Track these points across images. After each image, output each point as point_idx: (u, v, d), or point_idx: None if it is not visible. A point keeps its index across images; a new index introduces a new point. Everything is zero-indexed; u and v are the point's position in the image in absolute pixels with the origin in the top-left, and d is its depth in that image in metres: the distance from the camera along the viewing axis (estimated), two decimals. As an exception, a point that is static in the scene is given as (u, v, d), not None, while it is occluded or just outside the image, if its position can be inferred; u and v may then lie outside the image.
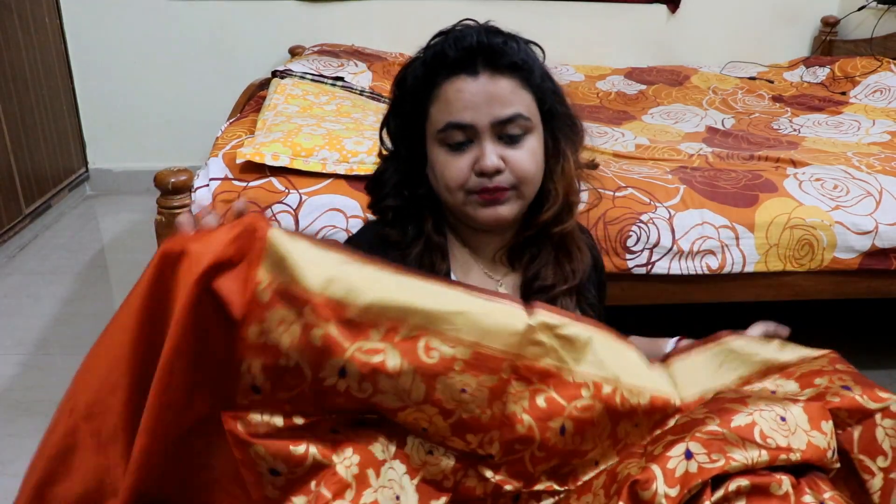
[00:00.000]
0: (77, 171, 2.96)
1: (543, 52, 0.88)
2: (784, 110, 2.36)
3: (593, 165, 0.96)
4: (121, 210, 2.86)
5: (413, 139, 0.89)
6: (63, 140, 2.86)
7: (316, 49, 2.60)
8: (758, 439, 0.70)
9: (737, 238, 1.51)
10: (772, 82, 2.67)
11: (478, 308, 0.74)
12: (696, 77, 2.70)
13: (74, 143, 2.95)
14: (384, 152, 0.95)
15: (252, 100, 2.16)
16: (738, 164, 1.75)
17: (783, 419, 0.72)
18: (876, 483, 0.74)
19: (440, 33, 0.87)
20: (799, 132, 2.12)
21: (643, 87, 2.61)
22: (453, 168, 0.84)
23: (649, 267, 1.50)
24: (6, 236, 2.45)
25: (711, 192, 1.56)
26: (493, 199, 0.84)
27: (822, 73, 2.65)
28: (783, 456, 0.69)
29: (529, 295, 0.91)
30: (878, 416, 0.74)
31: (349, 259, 0.72)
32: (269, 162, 1.49)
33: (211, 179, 1.51)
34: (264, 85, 2.26)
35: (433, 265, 0.90)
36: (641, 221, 1.48)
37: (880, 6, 2.77)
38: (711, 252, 1.51)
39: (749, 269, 1.53)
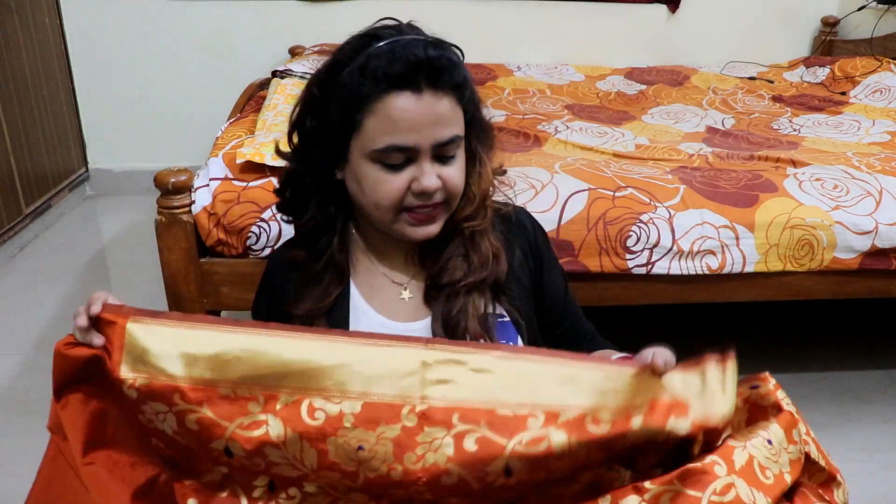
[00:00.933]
0: (77, 171, 2.96)
1: (463, 54, 0.85)
2: (784, 110, 2.36)
3: (501, 172, 0.94)
4: (121, 210, 2.86)
5: (332, 144, 0.84)
6: (63, 140, 2.86)
7: (316, 49, 2.60)
8: None
9: (737, 238, 1.51)
10: (772, 82, 2.67)
11: (361, 356, 0.70)
12: (696, 77, 2.70)
13: (74, 143, 2.95)
14: (283, 148, 0.90)
15: (252, 100, 2.16)
16: (738, 164, 1.75)
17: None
18: None
19: (367, 35, 0.82)
20: (799, 132, 2.12)
21: (643, 87, 2.61)
22: (388, 187, 0.81)
23: (649, 267, 1.50)
24: (6, 236, 2.45)
25: (711, 192, 1.56)
26: (429, 217, 0.84)
27: (822, 74, 2.65)
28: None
29: (436, 291, 0.88)
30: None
31: (215, 333, 0.72)
32: (269, 162, 1.49)
33: (211, 179, 1.51)
34: (264, 85, 2.26)
35: (329, 286, 0.89)
36: (641, 221, 1.49)
37: (880, 6, 2.77)
38: (711, 252, 1.51)
39: (749, 269, 1.53)
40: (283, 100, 1.94)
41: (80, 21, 2.82)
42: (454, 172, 0.83)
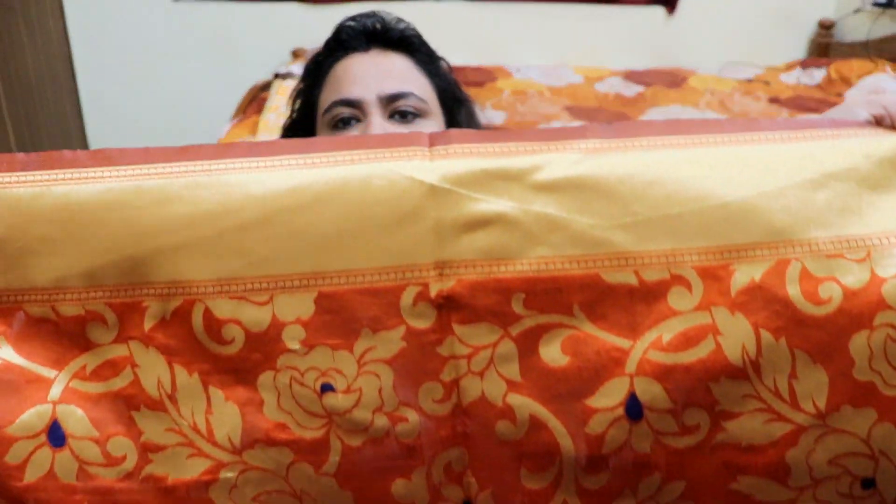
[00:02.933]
0: (80, 172, 2.98)
1: (448, 64, 0.83)
2: (780, 112, 2.38)
3: None
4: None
5: (304, 133, 0.81)
6: (67, 142, 2.88)
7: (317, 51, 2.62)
8: None
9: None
10: (768, 84, 2.69)
11: (299, 195, 0.38)
12: (693, 79, 2.72)
13: (78, 144, 2.97)
14: None
15: (254, 101, 2.19)
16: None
17: None
18: None
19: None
20: (795, 133, 2.14)
21: (641, 88, 2.63)
22: None
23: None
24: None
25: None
26: None
27: (818, 75, 2.68)
28: None
29: None
30: None
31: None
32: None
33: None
34: (266, 87, 2.29)
35: None
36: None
37: (875, 9, 2.80)
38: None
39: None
40: (286, 101, 1.96)
41: (85, 24, 2.84)
42: None
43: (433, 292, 0.37)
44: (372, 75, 0.74)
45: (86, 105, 2.96)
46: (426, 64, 0.80)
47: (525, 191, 0.37)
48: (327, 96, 0.77)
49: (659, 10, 2.97)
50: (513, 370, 0.37)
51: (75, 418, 0.39)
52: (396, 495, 0.38)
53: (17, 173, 0.44)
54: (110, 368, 0.40)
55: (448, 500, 0.39)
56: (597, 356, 0.36)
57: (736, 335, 0.36)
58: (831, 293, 0.36)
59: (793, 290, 0.36)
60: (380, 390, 0.38)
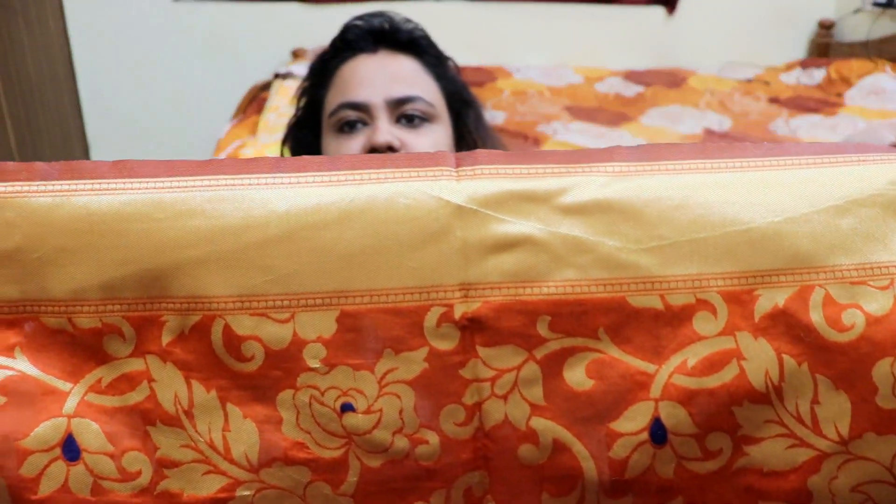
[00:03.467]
0: (80, 171, 2.98)
1: (455, 63, 0.83)
2: (780, 112, 2.39)
3: None
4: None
5: (309, 136, 0.80)
6: (67, 141, 2.88)
7: (318, 51, 2.62)
8: None
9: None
10: (768, 84, 2.70)
11: (320, 213, 0.38)
12: (693, 79, 2.72)
13: (78, 144, 2.97)
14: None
15: (254, 101, 2.19)
16: (733, 165, 1.77)
17: None
18: None
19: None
20: (795, 134, 2.14)
21: (641, 88, 2.64)
22: (345, 150, 0.73)
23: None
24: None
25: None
26: None
27: (818, 76, 2.68)
28: None
29: None
30: None
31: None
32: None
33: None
34: (266, 87, 2.29)
35: None
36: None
37: (875, 9, 2.80)
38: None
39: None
40: (286, 102, 1.96)
41: (85, 22, 2.84)
42: (422, 140, 0.73)
43: (458, 314, 0.37)
44: (379, 78, 0.74)
45: (86, 105, 2.96)
46: (434, 66, 0.79)
47: (552, 213, 0.37)
48: (334, 98, 0.76)
49: (659, 10, 2.97)
50: (537, 393, 0.37)
51: (90, 432, 0.39)
52: None
53: (37, 183, 0.43)
54: (126, 382, 0.39)
55: None
56: (622, 380, 0.37)
57: (759, 360, 0.36)
58: (854, 320, 0.36)
59: (816, 317, 0.36)
60: (401, 411, 0.37)
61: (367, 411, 0.37)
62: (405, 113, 0.74)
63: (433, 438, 0.37)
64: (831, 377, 0.36)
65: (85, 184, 0.41)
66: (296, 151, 0.85)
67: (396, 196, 0.38)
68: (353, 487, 0.38)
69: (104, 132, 3.00)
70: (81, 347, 0.39)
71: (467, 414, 0.37)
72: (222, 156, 1.59)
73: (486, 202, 0.37)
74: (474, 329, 0.36)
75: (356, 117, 0.74)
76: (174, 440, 0.39)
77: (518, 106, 2.38)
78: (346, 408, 0.38)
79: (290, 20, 2.85)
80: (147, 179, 0.40)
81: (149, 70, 2.90)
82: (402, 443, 0.38)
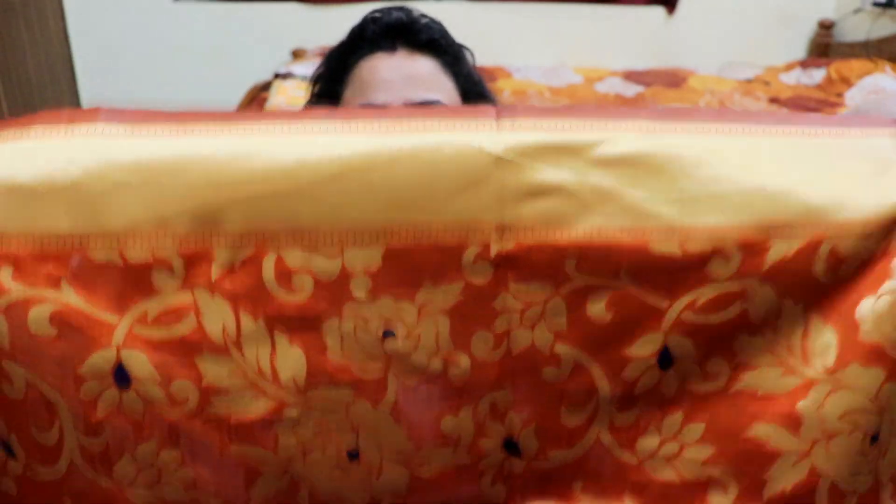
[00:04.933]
0: (80, 172, 2.99)
1: (472, 54, 0.81)
2: (780, 112, 2.39)
3: None
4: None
5: None
6: (67, 141, 2.88)
7: (318, 51, 2.62)
8: None
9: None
10: (768, 84, 2.70)
11: (368, 157, 0.41)
12: (693, 79, 2.72)
13: (78, 144, 2.97)
14: None
15: (254, 101, 2.19)
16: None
17: None
18: None
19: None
20: (795, 133, 2.14)
21: (641, 88, 2.64)
22: None
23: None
24: (11, 236, 2.47)
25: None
26: None
27: (818, 76, 2.68)
28: None
29: None
30: None
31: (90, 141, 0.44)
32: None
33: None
34: (266, 86, 2.29)
35: None
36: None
37: (875, 9, 2.80)
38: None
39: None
40: (286, 101, 1.96)
41: (85, 22, 2.84)
42: None
43: (493, 252, 0.40)
44: (398, 80, 0.74)
45: (86, 105, 2.96)
46: (451, 65, 0.78)
47: (584, 164, 0.41)
48: (352, 97, 0.76)
49: (659, 11, 2.97)
50: (561, 324, 0.41)
51: (139, 362, 0.41)
52: (444, 430, 0.43)
53: (102, 124, 0.48)
54: (173, 315, 0.41)
55: (491, 436, 0.43)
56: (637, 314, 0.41)
57: (761, 301, 0.40)
58: (851, 266, 0.40)
59: (819, 267, 0.40)
60: (437, 337, 0.41)
61: (407, 337, 0.41)
62: None
63: (465, 361, 0.42)
64: (822, 314, 0.40)
65: (148, 127, 0.48)
66: None
67: (441, 144, 0.41)
68: (390, 405, 0.42)
69: (104, 132, 3.00)
70: (129, 281, 0.41)
71: (496, 340, 0.42)
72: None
73: (523, 152, 0.40)
74: (507, 266, 0.41)
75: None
76: (221, 368, 0.41)
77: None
78: (388, 334, 0.42)
79: (290, 20, 2.85)
80: (208, 124, 0.47)
81: (149, 70, 2.90)
82: (436, 364, 0.42)
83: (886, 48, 2.73)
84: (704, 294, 0.40)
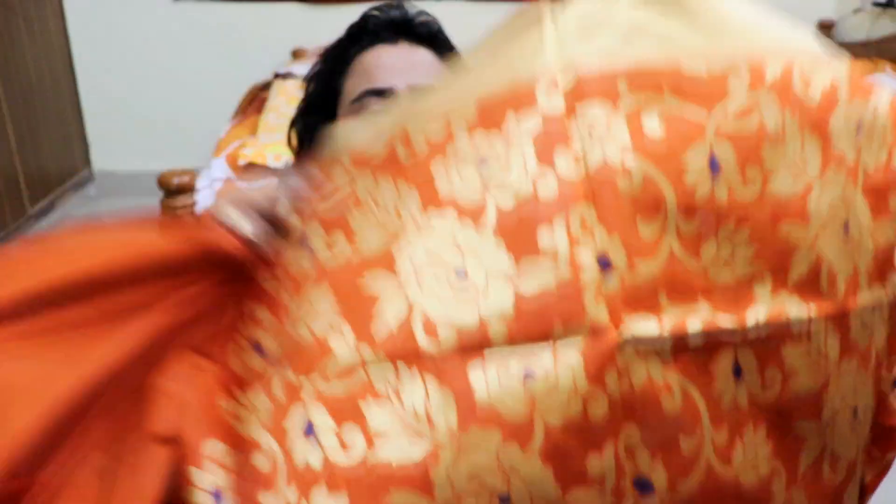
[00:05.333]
0: (81, 172, 2.99)
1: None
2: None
3: None
4: (124, 211, 2.88)
5: (322, 122, 0.80)
6: (67, 141, 2.89)
7: (318, 51, 2.62)
8: None
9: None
10: (769, 84, 2.70)
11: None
12: (693, 79, 2.72)
13: (78, 144, 2.98)
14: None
15: (254, 101, 2.19)
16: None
17: None
18: None
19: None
20: (795, 134, 2.14)
21: (641, 89, 2.64)
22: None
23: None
24: (11, 236, 2.47)
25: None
26: None
27: (818, 76, 2.68)
28: None
29: None
30: None
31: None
32: (271, 163, 1.51)
33: (214, 180, 1.53)
34: (267, 87, 2.29)
35: None
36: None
37: (875, 9, 2.80)
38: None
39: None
40: (285, 101, 1.96)
41: (85, 23, 2.85)
42: None
43: (560, 86, 0.49)
44: (402, 67, 0.77)
45: (86, 105, 2.96)
46: (448, 60, 0.82)
47: (626, 8, 0.51)
48: (355, 84, 0.78)
49: (659, 11, 2.97)
50: (625, 138, 0.47)
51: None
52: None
53: None
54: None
55: (583, 244, 0.48)
56: (685, 125, 0.48)
57: (770, 113, 0.48)
58: (820, 86, 0.51)
59: (798, 85, 0.50)
60: (524, 159, 0.48)
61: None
62: None
63: (550, 176, 0.48)
64: (808, 128, 0.50)
65: None
66: (305, 136, 0.85)
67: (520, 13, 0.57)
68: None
69: (104, 132, 3.01)
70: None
71: (575, 158, 0.48)
72: (222, 155, 1.59)
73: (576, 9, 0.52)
74: (574, 97, 0.48)
75: (380, 104, 0.77)
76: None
77: (518, 106, 2.38)
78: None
79: (291, 20, 2.85)
80: None
81: (149, 70, 2.90)
82: (526, 186, 0.49)
83: (887, 48, 2.72)
84: (732, 105, 0.48)
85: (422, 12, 0.82)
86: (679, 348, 0.46)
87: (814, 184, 0.49)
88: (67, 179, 2.88)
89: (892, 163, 0.52)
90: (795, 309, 0.48)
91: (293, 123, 0.87)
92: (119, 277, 0.49)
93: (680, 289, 0.47)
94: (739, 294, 0.47)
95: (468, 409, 0.45)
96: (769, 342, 0.47)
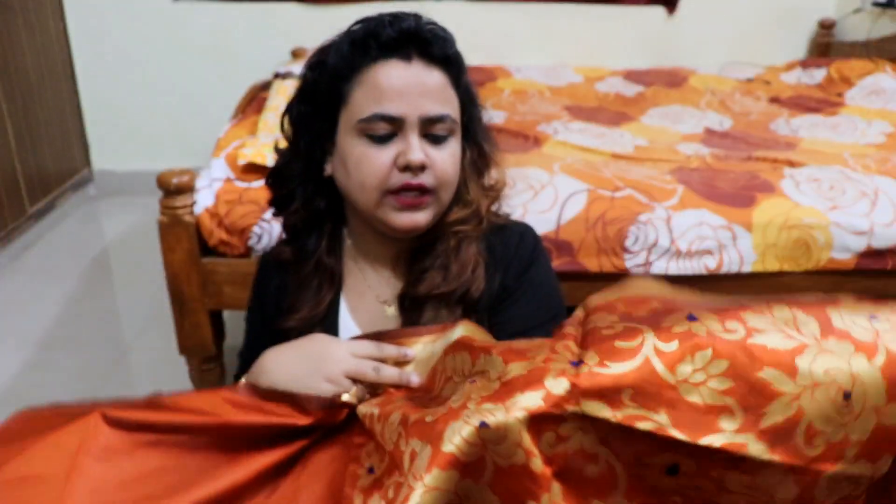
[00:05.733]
0: (80, 171, 2.98)
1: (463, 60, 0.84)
2: (781, 112, 2.38)
3: (501, 187, 0.88)
4: (124, 211, 2.88)
5: (319, 130, 0.81)
6: (67, 141, 2.88)
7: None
8: None
9: (734, 238, 1.52)
10: (769, 84, 2.69)
11: None
12: (693, 78, 2.71)
13: (78, 144, 2.97)
14: (280, 145, 0.88)
15: (254, 101, 2.18)
16: (735, 165, 1.77)
17: None
18: None
19: (362, 21, 0.80)
20: (796, 133, 2.14)
21: (641, 88, 2.63)
22: (374, 161, 0.76)
23: (647, 267, 1.52)
24: (11, 236, 2.46)
25: (709, 192, 1.58)
26: (415, 203, 0.77)
27: (818, 75, 2.67)
28: None
29: (409, 302, 0.82)
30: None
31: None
32: (271, 163, 1.50)
33: (213, 180, 1.53)
34: (266, 86, 2.28)
35: (321, 289, 0.86)
36: (640, 222, 1.50)
37: (876, 9, 2.79)
38: (709, 252, 1.52)
39: (746, 269, 1.54)
40: (285, 101, 1.95)
41: (84, 22, 2.84)
42: (445, 157, 0.79)
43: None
44: (415, 92, 0.76)
45: (85, 104, 2.96)
46: (457, 78, 0.81)
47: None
48: (365, 101, 0.77)
49: (659, 10, 2.97)
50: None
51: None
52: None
53: None
54: None
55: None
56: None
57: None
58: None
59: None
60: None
61: None
62: (434, 132, 0.78)
63: None
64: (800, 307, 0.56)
65: None
66: (299, 126, 0.84)
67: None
68: None
69: (104, 132, 3.00)
70: None
71: None
72: (222, 155, 1.58)
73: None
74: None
75: (390, 130, 0.77)
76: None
77: (518, 105, 2.38)
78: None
79: (290, 20, 2.85)
80: None
81: (148, 70, 2.90)
82: None
83: (887, 48, 2.72)
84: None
85: (431, 23, 0.80)
86: (622, 431, 0.53)
87: (809, 345, 0.52)
88: (67, 179, 2.87)
89: None
90: (757, 449, 0.51)
91: (288, 109, 0.86)
92: (251, 433, 0.67)
93: (649, 393, 0.52)
94: (704, 420, 0.52)
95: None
96: (716, 461, 0.52)
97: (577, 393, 0.53)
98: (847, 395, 0.51)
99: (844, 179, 1.64)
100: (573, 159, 1.76)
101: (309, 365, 0.73)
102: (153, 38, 2.86)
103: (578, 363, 0.54)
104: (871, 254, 1.56)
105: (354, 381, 0.72)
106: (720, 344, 0.53)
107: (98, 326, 2.08)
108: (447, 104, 0.79)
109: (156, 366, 1.89)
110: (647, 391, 0.52)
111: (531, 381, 0.55)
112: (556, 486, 0.54)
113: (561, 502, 0.54)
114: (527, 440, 0.53)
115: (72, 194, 2.89)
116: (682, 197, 1.55)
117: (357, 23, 0.81)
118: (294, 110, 0.84)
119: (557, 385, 0.54)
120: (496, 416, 0.54)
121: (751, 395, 0.51)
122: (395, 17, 0.78)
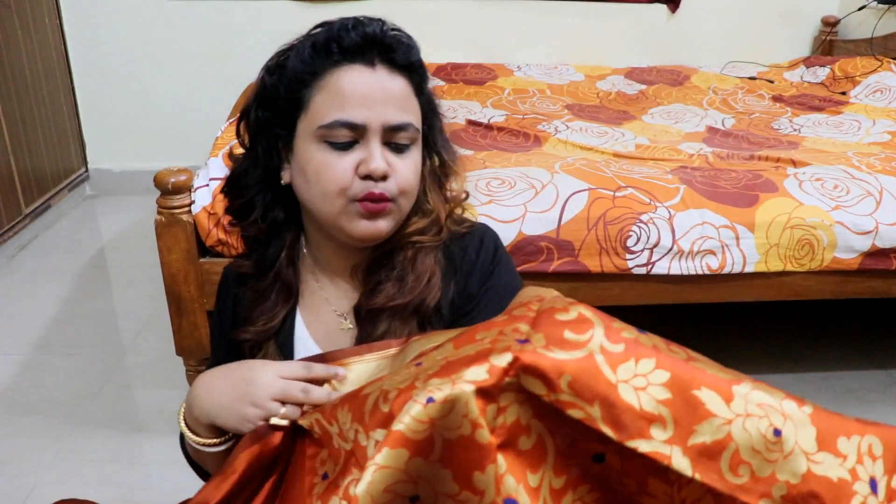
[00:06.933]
0: (77, 171, 2.96)
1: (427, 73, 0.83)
2: (784, 110, 2.36)
3: (464, 198, 0.88)
4: (121, 210, 2.86)
5: (278, 129, 0.79)
6: (63, 140, 2.86)
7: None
8: None
9: (737, 238, 1.51)
10: (772, 82, 2.67)
11: None
12: (696, 77, 2.69)
13: (74, 143, 2.95)
14: (235, 151, 0.86)
15: (252, 100, 2.16)
16: (738, 164, 1.75)
17: None
18: None
19: (323, 24, 0.79)
20: (799, 132, 2.12)
21: (643, 86, 2.61)
22: (335, 169, 0.74)
23: (649, 267, 1.50)
24: (6, 236, 2.45)
25: (712, 191, 1.56)
26: (377, 210, 0.75)
27: (822, 73, 2.65)
28: None
29: (365, 313, 0.81)
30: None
31: None
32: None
33: (211, 179, 1.51)
34: (264, 85, 2.26)
35: (276, 302, 0.84)
36: (641, 221, 1.48)
37: (880, 6, 2.77)
38: (711, 252, 1.51)
39: (749, 269, 1.53)
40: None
41: (80, 21, 2.82)
42: (407, 166, 0.77)
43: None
44: (378, 99, 0.75)
45: (81, 103, 2.94)
46: (419, 86, 0.80)
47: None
48: (326, 105, 0.75)
49: (661, 8, 2.95)
50: None
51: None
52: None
53: None
54: None
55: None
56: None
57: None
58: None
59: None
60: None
61: None
62: (396, 140, 0.77)
63: None
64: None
65: None
66: (257, 132, 0.81)
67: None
68: None
69: (100, 131, 2.98)
70: None
71: None
72: (219, 154, 1.56)
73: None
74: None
75: (352, 138, 0.74)
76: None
77: (519, 104, 2.36)
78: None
79: (288, 19, 2.82)
80: None
81: (145, 69, 2.88)
82: None
83: (891, 45, 2.70)
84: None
85: (395, 29, 0.78)
86: (555, 411, 0.54)
87: (745, 381, 0.55)
88: (63, 178, 2.85)
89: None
90: (681, 463, 0.52)
91: (244, 115, 0.82)
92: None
93: (586, 385, 0.53)
94: (636, 424, 0.53)
95: None
96: (641, 464, 0.53)
97: (517, 366, 0.53)
98: (777, 433, 0.53)
99: (848, 178, 1.62)
100: (574, 158, 1.74)
101: (236, 392, 0.72)
102: (150, 36, 2.84)
103: (524, 341, 0.55)
104: (876, 254, 1.55)
105: (284, 402, 0.70)
106: (664, 357, 0.54)
107: (95, 327, 2.06)
108: (410, 112, 0.77)
109: (153, 366, 1.87)
110: (585, 382, 0.53)
111: (477, 358, 0.55)
112: (500, 458, 0.55)
113: (506, 473, 0.55)
114: (473, 412, 0.53)
115: (68, 194, 2.88)
116: (684, 196, 1.53)
117: (318, 26, 0.79)
118: (251, 115, 0.81)
119: (501, 359, 0.54)
120: (443, 390, 0.54)
121: (684, 411, 0.53)
122: (359, 22, 0.76)
